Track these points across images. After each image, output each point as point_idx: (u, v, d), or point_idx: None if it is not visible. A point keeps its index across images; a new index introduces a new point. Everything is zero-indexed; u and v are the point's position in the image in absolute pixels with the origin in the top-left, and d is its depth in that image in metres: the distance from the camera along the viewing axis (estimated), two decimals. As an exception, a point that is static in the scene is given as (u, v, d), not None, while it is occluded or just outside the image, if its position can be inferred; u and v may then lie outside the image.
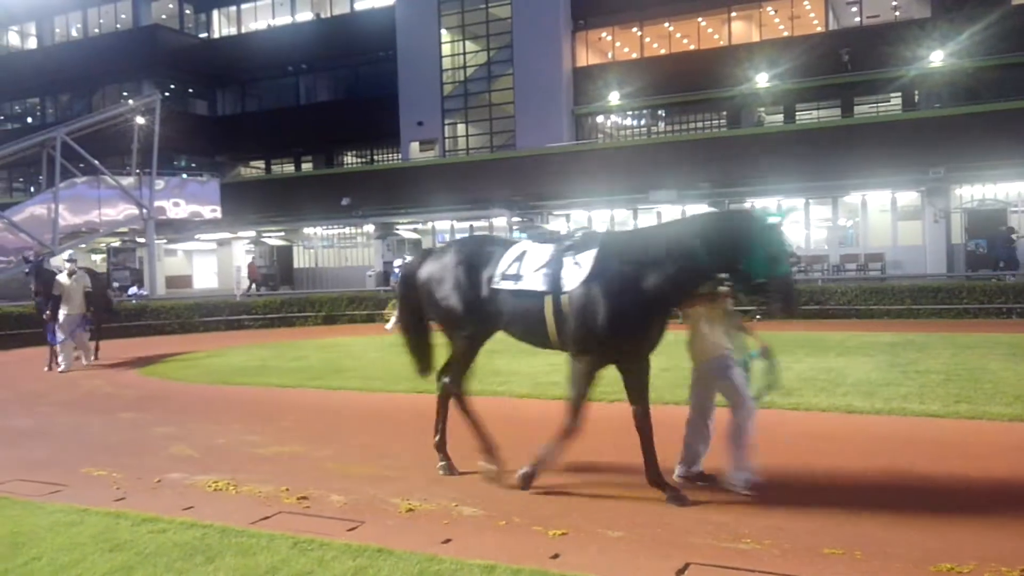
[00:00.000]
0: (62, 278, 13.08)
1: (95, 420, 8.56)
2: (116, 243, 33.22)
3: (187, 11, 43.05)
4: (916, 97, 29.65)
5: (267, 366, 12.56)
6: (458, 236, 31.36)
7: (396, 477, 5.78)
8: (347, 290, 24.69)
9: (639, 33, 33.34)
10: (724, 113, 32.78)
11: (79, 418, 8.73)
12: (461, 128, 35.80)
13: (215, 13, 42.80)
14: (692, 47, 32.97)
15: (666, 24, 32.95)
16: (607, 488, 5.29)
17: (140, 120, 27.42)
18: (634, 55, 33.63)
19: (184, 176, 33.80)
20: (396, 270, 18.69)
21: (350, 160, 42.33)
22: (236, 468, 6.14)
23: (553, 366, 10.64)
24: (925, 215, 24.87)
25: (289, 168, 42.76)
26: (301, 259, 36.17)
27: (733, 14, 31.91)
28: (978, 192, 24.96)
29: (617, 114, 34.50)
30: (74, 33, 44.18)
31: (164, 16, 42.80)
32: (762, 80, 29.99)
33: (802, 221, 26.34)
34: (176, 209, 28.93)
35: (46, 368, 13.00)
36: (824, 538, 4.29)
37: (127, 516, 4.92)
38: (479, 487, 5.45)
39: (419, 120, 35.17)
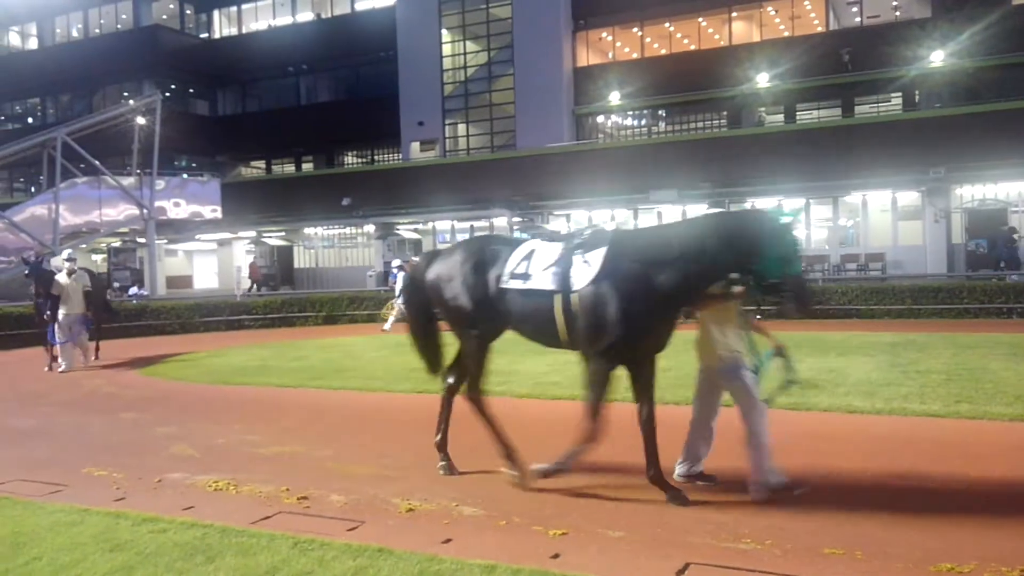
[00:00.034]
0: (61, 278, 13.06)
1: (96, 420, 8.57)
2: (117, 243, 33.24)
3: (188, 11, 43.06)
4: (917, 97, 29.65)
5: (268, 366, 12.56)
6: (459, 236, 31.43)
7: (396, 477, 5.78)
8: (348, 290, 24.69)
9: (639, 33, 33.33)
10: (725, 113, 32.77)
11: (80, 418, 8.73)
12: (462, 128, 35.80)
13: (216, 13, 42.82)
14: (692, 47, 32.96)
15: (667, 24, 32.94)
16: (607, 488, 5.29)
17: (141, 120, 27.43)
18: (635, 55, 33.62)
19: (185, 176, 33.82)
20: (394, 270, 18.68)
21: (351, 160, 42.35)
22: (236, 468, 6.15)
23: (553, 366, 10.65)
24: (925, 215, 24.86)
25: (290, 168, 42.76)
26: (302, 259, 36.18)
27: (734, 14, 31.90)
28: (978, 192, 24.95)
29: (618, 114, 34.49)
30: (75, 33, 44.19)
31: (165, 16, 42.81)
32: (763, 80, 29.98)
33: (803, 221, 26.32)
34: (177, 209, 28.95)
35: (46, 368, 13.00)
36: (824, 538, 4.29)
37: (127, 516, 4.92)
38: (479, 487, 5.45)
39: (420, 120, 35.17)
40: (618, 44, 34.11)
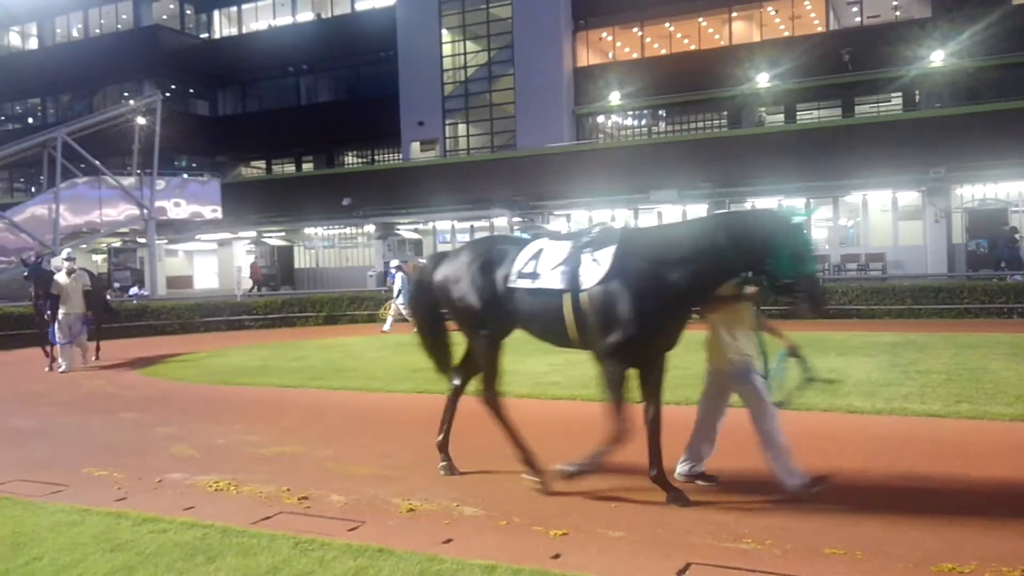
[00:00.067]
0: (60, 277, 13.04)
1: (96, 420, 8.57)
2: (117, 243, 33.26)
3: (188, 11, 43.07)
4: (917, 97, 29.64)
5: (268, 366, 12.56)
6: (459, 236, 31.46)
7: (397, 477, 5.78)
8: (348, 290, 24.70)
9: (640, 33, 33.33)
10: (725, 113, 32.77)
11: (80, 418, 8.73)
12: (462, 128, 35.81)
13: (216, 13, 42.83)
14: (693, 47, 32.96)
15: (667, 24, 32.94)
16: (607, 488, 5.28)
17: (141, 120, 27.44)
18: (635, 55, 33.62)
19: (185, 176, 33.83)
20: (391, 270, 18.67)
21: (351, 160, 42.35)
22: (237, 468, 6.15)
23: (553, 366, 10.64)
24: (926, 215, 24.86)
25: (290, 168, 42.77)
26: (302, 259, 36.18)
27: (734, 14, 31.91)
28: (979, 192, 24.96)
29: (618, 114, 34.49)
30: (75, 33, 44.20)
31: (165, 16, 42.82)
32: (763, 80, 29.98)
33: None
34: (177, 209, 28.96)
35: (47, 368, 13.00)
36: (825, 538, 4.29)
37: (128, 516, 4.92)
38: (480, 487, 5.45)
39: (420, 120, 35.17)
40: (618, 44, 34.11)
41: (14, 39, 46.35)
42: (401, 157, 36.52)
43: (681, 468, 5.34)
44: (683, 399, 7.36)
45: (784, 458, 4.94)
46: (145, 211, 27.11)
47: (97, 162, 26.12)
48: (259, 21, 41.85)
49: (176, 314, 20.07)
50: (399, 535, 4.51)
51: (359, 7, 38.89)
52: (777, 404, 5.15)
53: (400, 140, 36.03)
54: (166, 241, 34.82)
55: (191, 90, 43.53)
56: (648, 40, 33.34)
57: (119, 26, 42.44)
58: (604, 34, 33.99)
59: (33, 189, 39.08)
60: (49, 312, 12.90)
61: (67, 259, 13.44)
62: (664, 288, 4.80)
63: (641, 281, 4.84)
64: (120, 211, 27.24)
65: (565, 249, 5.20)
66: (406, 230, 33.16)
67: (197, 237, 35.17)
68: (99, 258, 36.87)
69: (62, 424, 8.40)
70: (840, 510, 4.71)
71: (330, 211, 32.16)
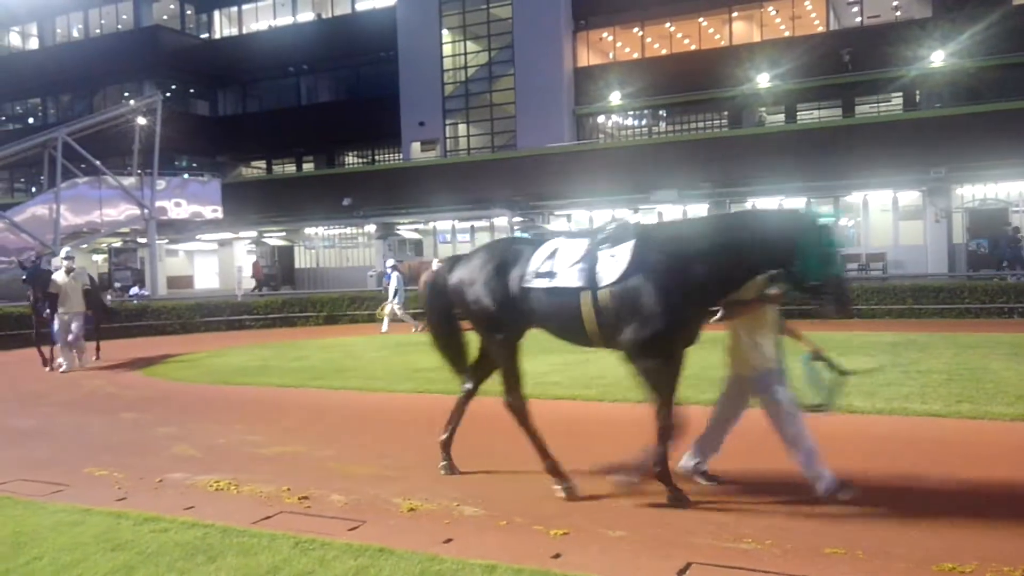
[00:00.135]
0: (58, 276, 13.00)
1: (96, 420, 8.57)
2: (117, 243, 33.26)
3: (188, 12, 43.10)
4: (917, 97, 29.64)
5: (268, 366, 12.56)
6: (459, 236, 31.49)
7: (397, 477, 5.78)
8: (348, 290, 24.71)
9: (640, 33, 33.33)
10: (725, 113, 32.78)
11: (80, 418, 8.73)
12: (462, 128, 35.81)
13: (216, 14, 42.84)
14: (693, 47, 32.96)
15: (667, 24, 32.95)
16: (608, 488, 5.28)
17: (141, 120, 27.44)
18: (635, 55, 33.62)
19: (185, 176, 33.83)
20: (388, 271, 18.65)
21: (351, 160, 42.37)
22: (237, 468, 6.15)
23: (553, 366, 10.64)
24: (926, 215, 24.86)
25: (290, 168, 42.78)
26: (302, 259, 36.19)
27: (734, 14, 31.91)
28: (979, 192, 24.96)
29: (618, 114, 34.50)
30: (75, 34, 44.21)
31: (165, 17, 42.84)
32: (763, 80, 29.99)
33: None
34: (177, 209, 28.95)
35: (48, 369, 12.99)
36: (826, 538, 4.29)
37: (129, 516, 4.92)
38: (480, 487, 5.45)
39: (420, 120, 35.18)
40: (619, 44, 34.12)
41: (14, 39, 46.37)
42: (401, 157, 36.53)
43: (685, 462, 5.30)
44: (687, 399, 7.34)
45: (813, 462, 4.85)
46: (146, 211, 27.11)
47: (98, 162, 26.12)
48: (259, 21, 41.87)
49: (177, 314, 20.08)
50: (400, 535, 4.51)
51: (359, 7, 38.90)
52: (819, 408, 5.09)
53: (400, 140, 36.04)
54: (167, 241, 34.82)
55: (191, 90, 43.55)
56: (648, 40, 33.34)
57: (119, 26, 42.46)
58: (604, 34, 33.99)
59: (34, 189, 39.09)
60: (48, 311, 12.86)
61: (66, 258, 13.39)
62: (686, 282, 4.76)
63: (664, 275, 4.80)
64: (121, 211, 27.25)
65: (582, 247, 5.15)
66: (406, 230, 33.16)
67: (197, 237, 35.18)
68: (100, 258, 36.88)
69: (62, 424, 8.40)
70: (841, 510, 4.70)
71: (330, 211, 32.17)
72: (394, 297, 18.06)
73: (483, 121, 35.34)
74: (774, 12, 31.69)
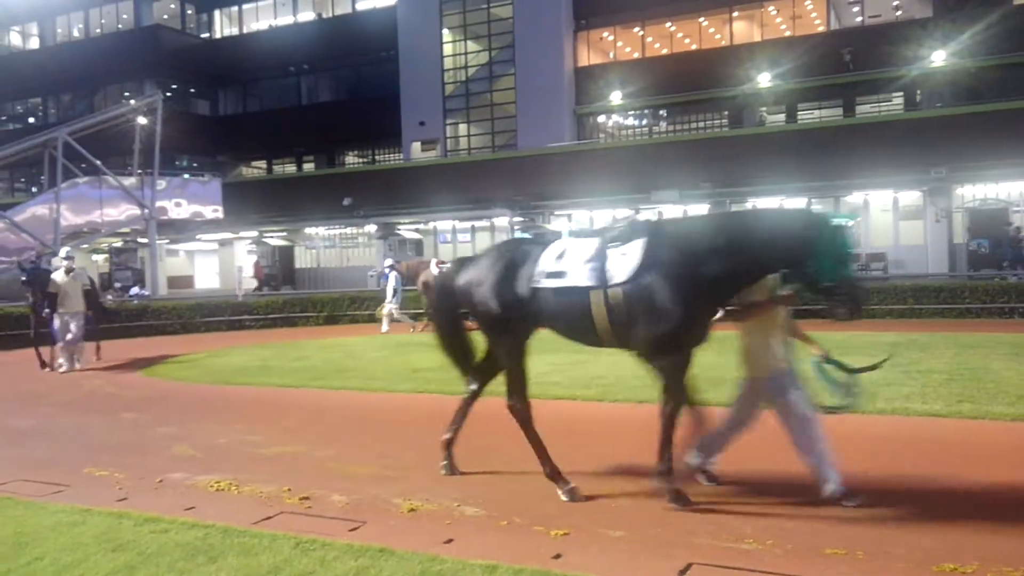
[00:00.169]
0: (58, 276, 12.98)
1: (97, 420, 8.57)
2: (118, 243, 33.27)
3: (189, 11, 43.12)
4: (918, 97, 29.65)
5: (269, 366, 12.56)
6: (460, 236, 31.48)
7: (398, 477, 5.78)
8: (349, 290, 24.70)
9: (641, 33, 33.33)
10: (726, 113, 32.78)
11: (80, 418, 8.73)
12: (463, 128, 35.82)
13: (217, 13, 42.87)
14: (694, 47, 32.97)
15: (668, 24, 32.95)
16: (608, 488, 5.28)
17: (142, 120, 27.45)
18: (636, 55, 33.63)
19: (186, 176, 33.83)
20: (385, 270, 18.63)
21: (352, 160, 42.37)
22: (238, 468, 6.15)
23: (554, 366, 10.63)
24: (927, 215, 24.87)
25: (291, 168, 42.80)
26: (303, 259, 36.19)
27: (735, 14, 31.91)
28: (980, 192, 24.96)
29: (619, 114, 34.50)
30: (76, 33, 44.23)
31: (166, 16, 42.87)
32: (764, 80, 29.98)
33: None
34: (178, 209, 28.97)
35: (48, 369, 12.99)
36: (826, 538, 4.29)
37: (129, 516, 4.92)
38: (481, 487, 5.45)
39: (421, 120, 35.19)
40: (619, 44, 34.12)
41: (15, 39, 46.39)
42: (402, 157, 36.55)
43: (692, 459, 5.24)
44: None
45: (824, 465, 4.81)
46: (146, 211, 27.11)
47: (98, 162, 26.12)
48: (260, 21, 41.89)
49: (177, 314, 20.08)
50: (400, 535, 4.51)
51: (360, 7, 38.91)
52: (839, 409, 5.09)
53: (401, 140, 36.05)
54: (167, 241, 34.83)
55: (192, 90, 43.58)
56: (649, 40, 33.34)
57: (120, 26, 42.48)
58: (605, 34, 34.00)
59: (34, 189, 39.10)
60: (47, 311, 12.84)
61: (66, 258, 13.37)
62: (699, 279, 4.73)
63: (677, 271, 4.77)
64: (121, 211, 27.25)
65: (592, 246, 5.13)
66: (407, 230, 33.16)
67: (198, 237, 35.19)
68: (100, 258, 36.89)
69: (62, 424, 8.40)
70: (841, 511, 4.70)
71: (331, 211, 32.17)
72: (393, 297, 18.03)
73: (484, 121, 35.34)
74: (775, 12, 31.69)
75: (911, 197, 25.65)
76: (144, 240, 29.40)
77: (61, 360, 12.91)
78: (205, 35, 43.55)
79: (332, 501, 5.22)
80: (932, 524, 4.48)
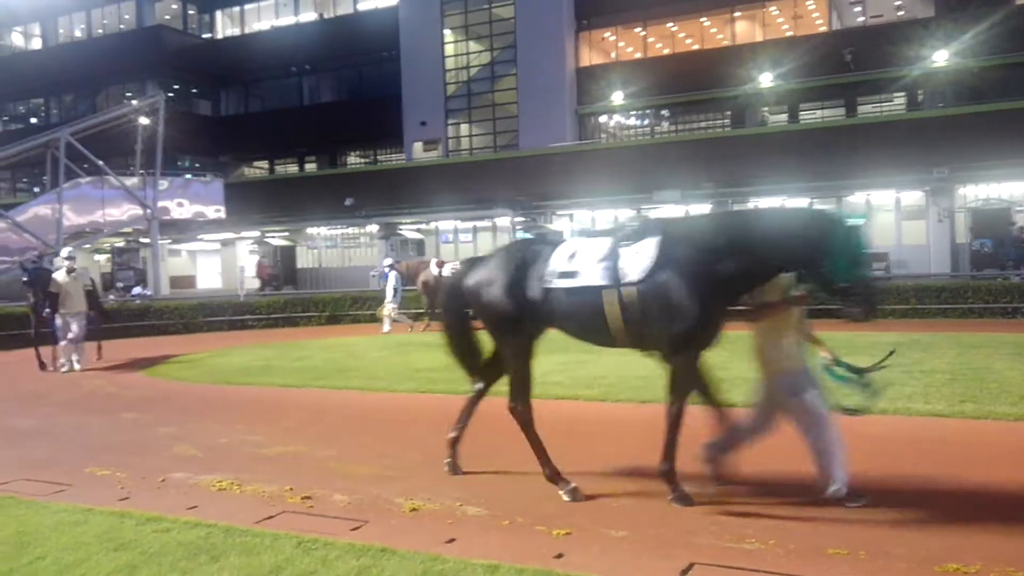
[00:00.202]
0: (59, 275, 12.99)
1: (98, 420, 8.57)
2: (120, 243, 33.31)
3: (191, 12, 43.16)
4: (920, 97, 29.63)
5: (270, 366, 12.57)
6: (461, 236, 31.48)
7: (399, 477, 5.78)
8: (350, 290, 24.70)
9: (642, 33, 33.33)
10: (728, 113, 32.77)
11: (81, 418, 8.74)
12: (464, 128, 35.83)
13: (219, 14, 42.91)
14: (695, 47, 32.96)
15: (669, 24, 32.95)
16: (610, 488, 5.28)
17: (144, 120, 27.50)
18: (637, 55, 33.62)
19: (188, 176, 33.88)
20: (385, 270, 18.62)
21: (353, 160, 42.40)
22: (240, 468, 6.15)
23: (555, 366, 10.63)
24: (929, 215, 24.84)
25: (293, 168, 42.82)
26: (305, 259, 36.22)
27: (736, 14, 31.90)
28: (982, 192, 24.93)
29: (620, 114, 34.49)
30: (78, 34, 44.29)
31: (168, 17, 42.92)
32: (766, 80, 29.96)
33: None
34: (180, 209, 29.01)
35: (50, 369, 12.99)
36: (828, 538, 4.28)
37: (131, 515, 4.93)
38: (483, 487, 5.44)
39: (422, 120, 35.21)
40: (621, 44, 34.12)
41: (17, 39, 46.46)
42: (404, 157, 36.55)
43: (707, 447, 5.13)
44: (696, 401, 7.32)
45: (835, 466, 4.78)
46: (148, 211, 27.15)
47: (100, 162, 26.14)
48: (262, 21, 41.94)
49: (179, 314, 20.09)
50: (402, 535, 4.51)
51: (361, 7, 38.93)
52: (857, 411, 5.07)
53: (403, 140, 36.07)
54: (169, 241, 34.87)
55: (194, 90, 43.62)
56: (651, 40, 33.34)
57: (122, 26, 42.54)
58: (607, 34, 34.00)
59: (36, 189, 39.13)
60: (48, 311, 12.84)
61: (67, 258, 13.37)
62: (714, 275, 4.70)
63: (692, 267, 4.74)
64: (123, 211, 27.29)
65: (604, 245, 5.10)
66: (408, 230, 33.17)
67: (200, 237, 35.21)
68: (102, 258, 36.92)
69: (63, 424, 8.41)
70: (843, 510, 4.69)
71: (333, 211, 32.19)
72: (393, 296, 18.01)
73: (485, 121, 35.35)
74: (776, 12, 31.66)
75: (913, 197, 25.63)
76: (146, 240, 29.43)
77: (63, 360, 12.91)
78: (207, 35, 43.59)
79: (334, 501, 5.22)
80: (935, 524, 4.48)
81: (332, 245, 35.85)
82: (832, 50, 28.90)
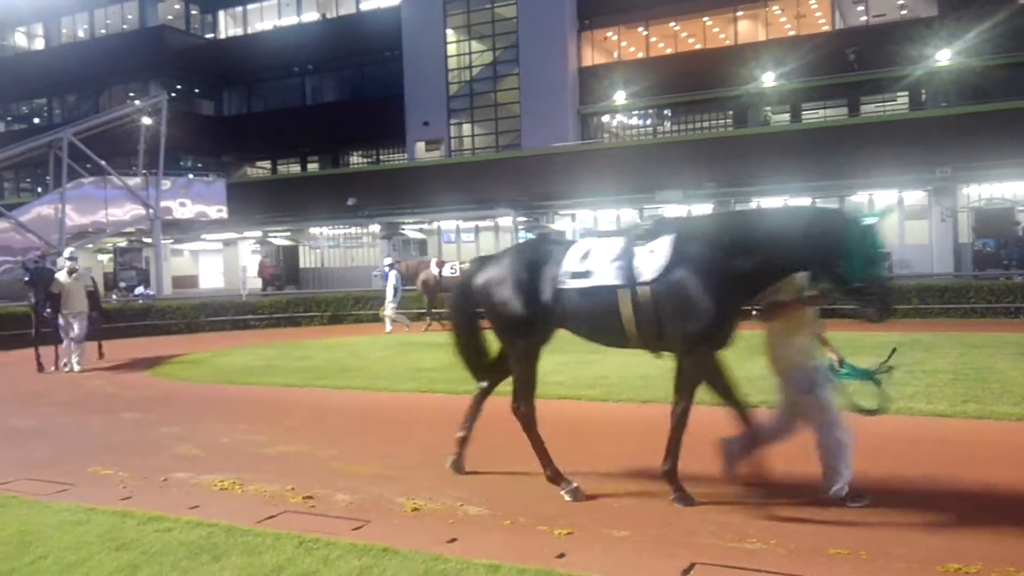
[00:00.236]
0: (61, 276, 13.00)
1: (99, 420, 8.58)
2: (123, 243, 33.37)
3: (193, 12, 43.20)
4: (923, 96, 29.58)
5: (273, 366, 12.58)
6: (463, 236, 31.49)
7: (401, 476, 5.78)
8: (353, 290, 24.72)
9: (645, 33, 33.31)
10: (730, 112, 32.73)
11: (82, 418, 8.75)
12: (467, 128, 35.83)
13: (221, 14, 42.94)
14: (698, 46, 32.93)
15: (672, 24, 32.93)
16: (612, 488, 5.28)
17: (147, 120, 27.54)
18: (640, 55, 33.60)
19: (190, 176, 33.94)
20: (385, 269, 18.62)
21: (356, 160, 42.40)
22: (242, 467, 6.15)
23: (557, 366, 10.62)
24: (932, 214, 24.80)
25: (295, 168, 42.84)
26: (307, 259, 36.24)
27: (739, 13, 31.87)
28: (985, 191, 24.89)
29: (623, 114, 34.49)
30: (81, 34, 44.33)
31: (170, 17, 42.95)
32: (768, 79, 29.93)
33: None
34: (182, 209, 29.05)
35: (52, 368, 13.01)
36: (829, 538, 4.28)
37: (133, 515, 4.93)
38: (484, 487, 5.44)
39: (425, 120, 35.21)
40: (623, 44, 34.10)
41: (20, 39, 46.52)
42: (406, 157, 36.56)
43: (726, 441, 5.06)
44: (703, 400, 7.31)
45: (841, 464, 4.77)
46: (151, 211, 27.19)
47: (103, 162, 26.18)
48: (264, 21, 41.97)
49: (181, 314, 20.11)
50: (403, 534, 4.51)
51: (364, 7, 38.93)
52: (873, 411, 5.07)
53: (405, 140, 36.07)
54: (172, 241, 34.90)
55: (196, 90, 43.64)
56: (653, 39, 33.33)
57: (125, 26, 42.58)
58: (609, 34, 33.98)
59: (39, 189, 39.19)
60: (49, 311, 12.85)
61: (69, 259, 13.39)
62: (729, 274, 4.67)
63: (707, 266, 4.72)
64: (126, 211, 27.34)
65: (617, 244, 5.06)
66: (411, 230, 33.19)
67: (202, 237, 35.25)
68: (105, 258, 36.98)
69: (64, 424, 8.42)
70: (845, 510, 4.69)
71: (335, 211, 32.21)
72: (393, 296, 17.99)
73: (487, 121, 35.35)
74: (779, 11, 31.64)
75: (916, 197, 25.59)
76: (149, 240, 29.51)
77: (65, 360, 12.93)
78: (210, 35, 43.64)
79: (335, 500, 5.23)
80: (936, 524, 4.47)
81: (334, 245, 35.87)
82: (835, 49, 28.87)
